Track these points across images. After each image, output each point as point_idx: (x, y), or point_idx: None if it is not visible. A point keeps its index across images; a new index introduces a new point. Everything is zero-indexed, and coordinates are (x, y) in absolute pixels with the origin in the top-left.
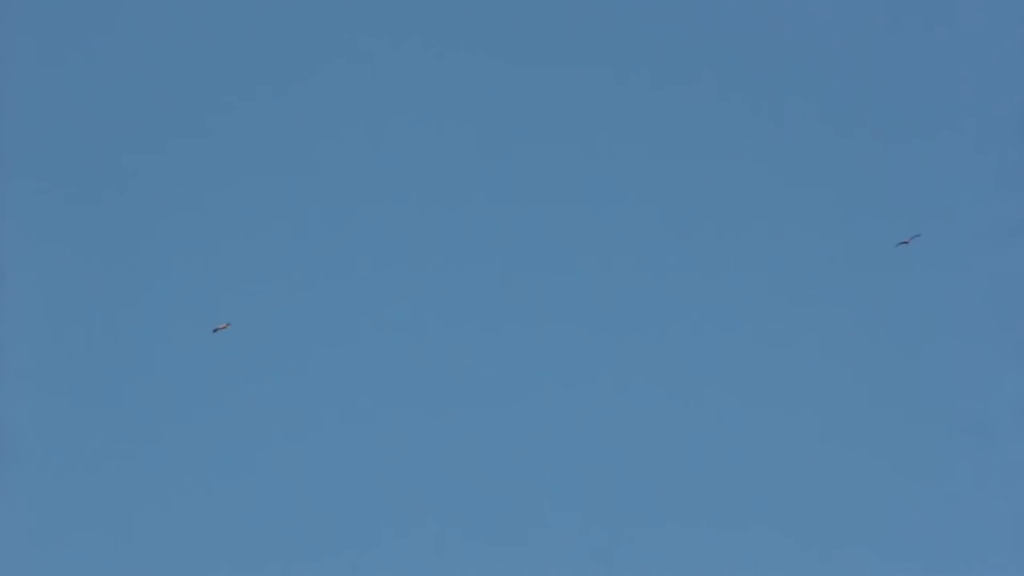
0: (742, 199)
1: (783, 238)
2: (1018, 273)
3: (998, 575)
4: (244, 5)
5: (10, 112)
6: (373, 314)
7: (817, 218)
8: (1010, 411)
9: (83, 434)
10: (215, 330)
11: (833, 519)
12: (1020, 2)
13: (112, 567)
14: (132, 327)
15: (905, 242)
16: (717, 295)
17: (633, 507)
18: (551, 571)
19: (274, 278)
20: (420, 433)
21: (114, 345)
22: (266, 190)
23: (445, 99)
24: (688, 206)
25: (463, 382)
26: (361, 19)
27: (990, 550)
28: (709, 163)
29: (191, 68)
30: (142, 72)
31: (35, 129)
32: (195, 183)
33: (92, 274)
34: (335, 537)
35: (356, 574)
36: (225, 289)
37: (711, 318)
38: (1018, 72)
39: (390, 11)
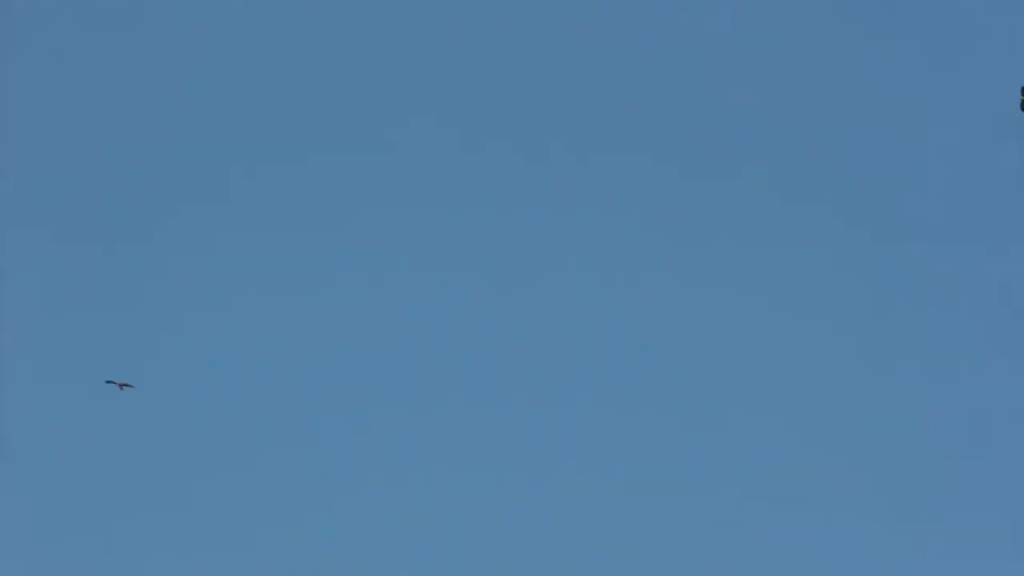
0: (735, 204)
1: (780, 241)
2: (1018, 273)
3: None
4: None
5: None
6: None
7: (815, 218)
8: (1010, 411)
9: (83, 434)
10: (118, 385)
11: (832, 520)
12: (1020, 2)
13: (112, 567)
14: (133, 326)
15: None
16: (712, 284)
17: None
18: None
19: (281, 285)
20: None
21: (115, 345)
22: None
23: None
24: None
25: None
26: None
27: (989, 550)
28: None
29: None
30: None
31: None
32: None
33: (93, 273)
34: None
35: None
36: (228, 289)
37: (702, 318)
38: (1018, 72)
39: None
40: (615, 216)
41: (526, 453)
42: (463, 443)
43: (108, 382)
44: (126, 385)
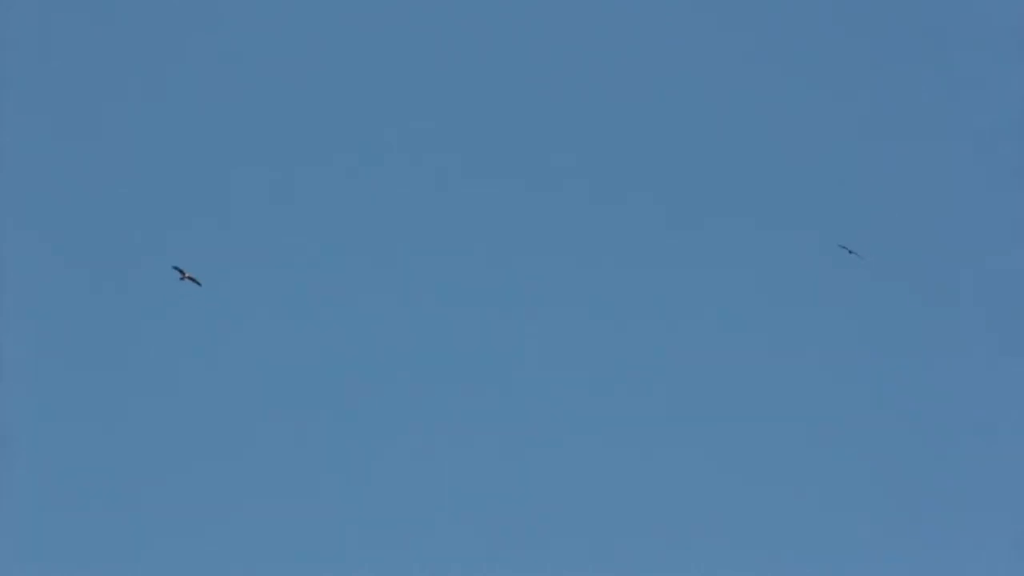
0: (737, 203)
1: (781, 238)
2: (1018, 273)
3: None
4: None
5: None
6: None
7: (816, 218)
8: (1011, 412)
9: (83, 434)
10: (185, 276)
11: (831, 521)
12: (1020, 3)
13: (112, 565)
14: (134, 325)
15: (848, 250)
16: (712, 284)
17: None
18: None
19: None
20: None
21: (115, 345)
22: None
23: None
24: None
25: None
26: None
27: (989, 550)
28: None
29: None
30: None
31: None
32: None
33: (93, 272)
34: (335, 545)
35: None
36: (228, 288)
37: (704, 310)
38: (1018, 72)
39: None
40: (615, 214)
41: (522, 446)
42: (460, 436)
43: (175, 268)
44: (192, 279)
